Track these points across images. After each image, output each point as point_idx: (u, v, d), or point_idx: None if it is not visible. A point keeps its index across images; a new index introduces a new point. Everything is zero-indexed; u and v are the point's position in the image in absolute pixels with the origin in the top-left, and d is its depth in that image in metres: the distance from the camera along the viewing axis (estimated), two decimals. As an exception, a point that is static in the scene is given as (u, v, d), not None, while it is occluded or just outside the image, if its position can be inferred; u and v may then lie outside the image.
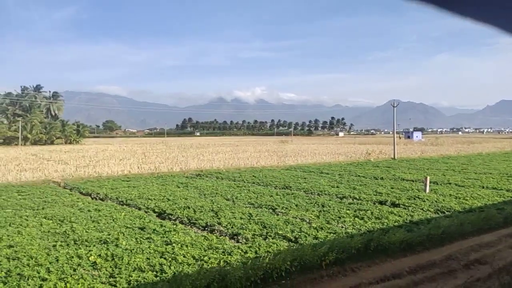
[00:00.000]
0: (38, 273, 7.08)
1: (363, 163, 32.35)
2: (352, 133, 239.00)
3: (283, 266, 7.33)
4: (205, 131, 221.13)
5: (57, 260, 7.85)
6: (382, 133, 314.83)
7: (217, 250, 8.65)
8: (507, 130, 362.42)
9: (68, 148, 60.64)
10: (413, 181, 20.56)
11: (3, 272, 7.15)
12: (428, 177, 16.79)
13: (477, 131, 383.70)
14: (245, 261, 7.67)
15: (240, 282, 6.67)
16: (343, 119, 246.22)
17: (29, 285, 6.57)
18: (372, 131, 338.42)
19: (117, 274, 7.12)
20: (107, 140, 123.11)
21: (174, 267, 7.45)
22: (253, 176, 23.18)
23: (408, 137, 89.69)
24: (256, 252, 8.41)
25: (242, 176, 23.25)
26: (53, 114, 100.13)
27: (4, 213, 12.71)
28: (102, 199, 15.86)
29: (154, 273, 7.23)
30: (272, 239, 9.49)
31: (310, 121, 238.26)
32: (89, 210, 13.12)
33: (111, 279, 6.94)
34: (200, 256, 8.10)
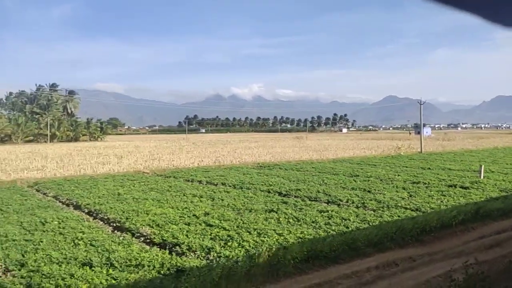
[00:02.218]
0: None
1: (397, 156, 35.34)
2: (351, 129, 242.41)
3: (432, 223, 10.27)
4: (210, 128, 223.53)
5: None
6: (381, 129, 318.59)
7: (359, 215, 11.50)
8: (504, 126, 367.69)
9: (105, 145, 63.30)
10: (459, 170, 23.55)
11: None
12: (483, 166, 19.79)
13: (475, 126, 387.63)
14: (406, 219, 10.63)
15: (416, 229, 9.62)
16: (345, 115, 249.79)
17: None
18: (370, 127, 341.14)
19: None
20: (120, 137, 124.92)
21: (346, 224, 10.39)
22: (313, 167, 26.09)
23: (418, 132, 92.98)
24: (393, 217, 11.33)
25: (303, 167, 26.16)
26: (69, 111, 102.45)
27: (153, 194, 15.61)
28: (215, 184, 18.69)
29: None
30: (395, 209, 12.40)
31: (312, 118, 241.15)
32: (217, 191, 16.00)
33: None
34: (358, 220, 11.02)
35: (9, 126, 72.21)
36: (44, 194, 16.64)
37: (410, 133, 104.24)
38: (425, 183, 18.17)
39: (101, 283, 6.67)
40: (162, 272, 7.21)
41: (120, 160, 31.86)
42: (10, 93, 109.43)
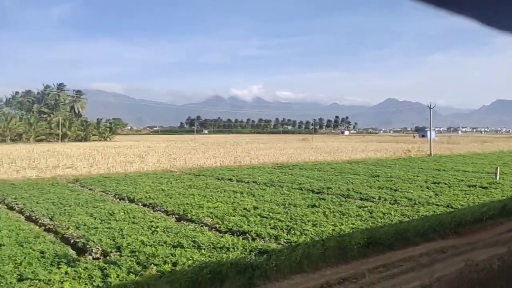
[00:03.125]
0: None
1: (407, 159, 36.50)
2: (352, 132, 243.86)
3: (466, 217, 11.40)
4: (213, 130, 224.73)
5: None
6: (381, 132, 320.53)
7: (397, 210, 12.61)
8: (504, 130, 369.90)
9: (118, 145, 64.36)
10: (473, 172, 24.70)
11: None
12: (498, 168, 20.95)
13: (474, 130, 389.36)
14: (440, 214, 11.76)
15: (454, 222, 10.75)
16: (347, 118, 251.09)
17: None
18: (370, 130, 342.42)
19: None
20: (127, 137, 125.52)
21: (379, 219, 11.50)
22: (331, 168, 27.22)
23: (423, 135, 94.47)
24: (428, 212, 12.45)
25: (321, 168, 27.29)
26: (77, 111, 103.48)
27: (194, 190, 16.70)
28: (246, 182, 19.79)
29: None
30: (428, 206, 13.51)
31: (314, 120, 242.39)
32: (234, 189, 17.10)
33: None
34: (398, 214, 12.14)
35: (21, 125, 73.25)
36: (91, 189, 17.71)
37: (414, 136, 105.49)
38: (446, 183, 19.29)
39: (202, 260, 7.75)
40: (246, 253, 8.30)
41: (142, 159, 32.94)
42: (16, 93, 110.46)
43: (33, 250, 8.39)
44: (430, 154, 40.95)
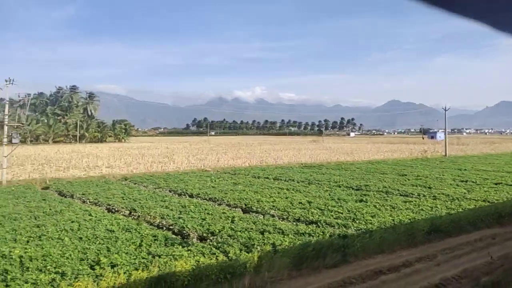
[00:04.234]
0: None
1: (425, 159, 37.69)
2: (357, 133, 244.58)
3: (505, 210, 12.65)
4: (219, 131, 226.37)
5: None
6: (385, 133, 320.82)
7: (441, 204, 13.85)
8: (508, 131, 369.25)
9: (135, 146, 65.93)
10: (493, 171, 25.88)
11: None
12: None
13: (478, 132, 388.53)
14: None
15: (495, 214, 12.01)
16: (352, 119, 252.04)
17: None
18: (373, 131, 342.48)
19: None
20: (139, 139, 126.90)
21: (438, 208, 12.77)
22: (357, 168, 28.47)
23: (432, 137, 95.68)
24: (470, 205, 13.70)
25: (347, 167, 28.54)
26: (90, 113, 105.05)
27: (241, 187, 18.01)
28: (285, 180, 21.07)
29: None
30: (468, 200, 14.75)
31: (319, 121, 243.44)
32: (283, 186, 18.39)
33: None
34: (444, 207, 13.39)
35: (41, 127, 74.88)
36: (145, 186, 19.04)
37: (423, 138, 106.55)
38: (473, 181, 20.49)
39: (287, 241, 9.01)
40: (326, 237, 9.58)
41: (171, 159, 34.30)
42: (28, 94, 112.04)
43: (142, 235, 9.71)
44: (445, 155, 42.11)
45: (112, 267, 7.37)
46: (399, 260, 8.45)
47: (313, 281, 7.22)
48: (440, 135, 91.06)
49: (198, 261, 7.51)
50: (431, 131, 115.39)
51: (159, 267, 7.05)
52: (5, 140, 21.26)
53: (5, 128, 21.13)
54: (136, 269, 6.98)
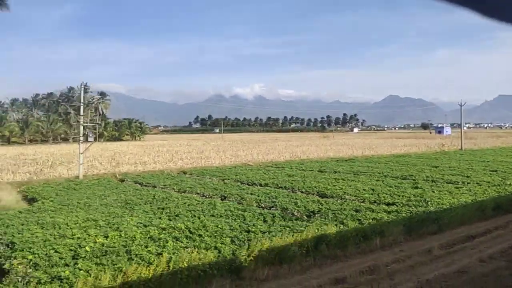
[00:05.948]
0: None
1: (443, 152, 39.77)
2: (359, 129, 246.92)
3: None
4: (222, 128, 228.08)
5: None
6: (385, 128, 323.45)
7: (483, 191, 15.85)
8: (507, 125, 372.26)
9: (153, 144, 67.99)
10: (516, 162, 27.94)
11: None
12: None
13: (477, 126, 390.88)
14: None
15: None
16: (355, 115, 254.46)
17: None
18: (373, 127, 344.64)
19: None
20: (151, 137, 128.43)
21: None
22: (386, 161, 30.50)
23: (439, 132, 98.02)
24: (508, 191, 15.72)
25: (377, 160, 30.56)
26: (101, 113, 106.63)
27: (297, 178, 20.00)
28: (333, 172, 23.07)
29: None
30: (509, 186, 16.77)
31: (322, 118, 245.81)
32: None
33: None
34: (493, 190, 15.42)
35: (63, 127, 76.81)
36: (210, 178, 21.02)
37: (430, 132, 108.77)
38: (502, 171, 22.53)
39: (385, 217, 11.02)
40: (413, 214, 11.58)
41: (200, 155, 36.36)
42: (37, 95, 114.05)
43: (257, 213, 11.67)
44: (461, 148, 44.17)
45: (263, 233, 9.36)
46: (481, 229, 10.49)
47: (425, 243, 9.25)
48: (447, 130, 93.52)
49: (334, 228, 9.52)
50: (439, 126, 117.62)
51: (312, 231, 9.04)
52: (81, 138, 23.21)
53: (81, 128, 23.05)
54: (292, 234, 8.98)
